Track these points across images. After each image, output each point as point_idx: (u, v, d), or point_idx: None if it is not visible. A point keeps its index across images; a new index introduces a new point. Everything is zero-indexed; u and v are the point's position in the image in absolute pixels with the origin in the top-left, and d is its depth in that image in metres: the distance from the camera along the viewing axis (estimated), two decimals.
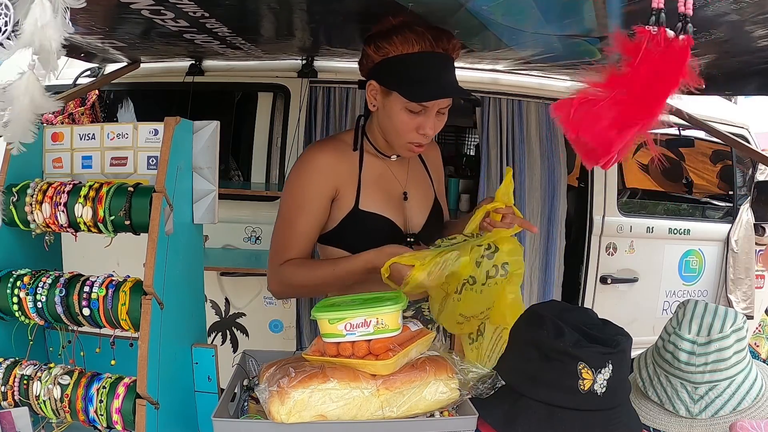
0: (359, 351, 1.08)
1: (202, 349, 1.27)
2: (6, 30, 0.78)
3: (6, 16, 0.79)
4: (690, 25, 0.92)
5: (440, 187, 1.73)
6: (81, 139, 1.30)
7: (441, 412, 1.11)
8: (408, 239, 1.56)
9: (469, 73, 2.81)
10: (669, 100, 0.95)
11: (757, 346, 1.94)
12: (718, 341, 1.19)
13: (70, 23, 0.81)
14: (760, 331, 2.04)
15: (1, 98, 0.83)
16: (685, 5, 0.92)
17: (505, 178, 1.43)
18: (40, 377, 1.17)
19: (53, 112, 2.79)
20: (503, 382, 1.16)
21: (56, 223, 1.19)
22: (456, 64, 1.49)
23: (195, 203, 1.30)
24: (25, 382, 1.17)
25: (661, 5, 0.92)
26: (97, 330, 1.21)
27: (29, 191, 1.21)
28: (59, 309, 1.17)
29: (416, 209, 1.61)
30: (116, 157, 1.28)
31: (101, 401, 1.13)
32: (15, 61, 0.83)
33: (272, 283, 1.54)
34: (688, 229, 3.35)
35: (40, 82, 0.83)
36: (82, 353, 1.25)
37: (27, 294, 1.18)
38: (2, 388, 1.18)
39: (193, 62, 2.77)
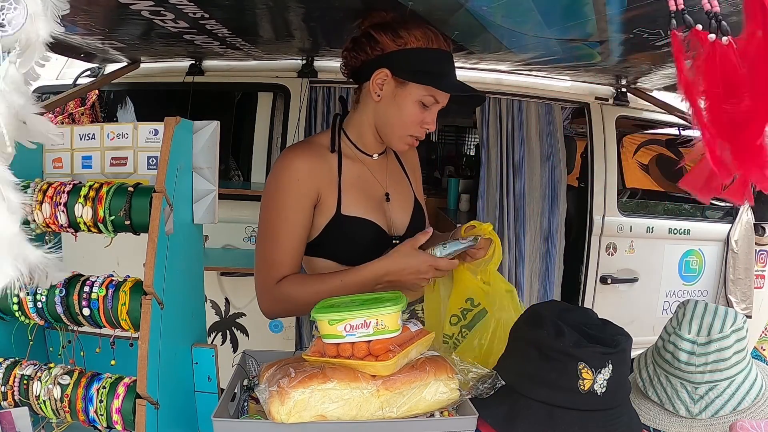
0: (359, 352, 1.07)
1: (202, 349, 1.27)
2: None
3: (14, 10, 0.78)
4: (724, 23, 0.85)
5: (418, 187, 1.70)
6: (81, 139, 1.30)
7: (441, 412, 1.11)
8: (393, 241, 1.50)
9: (469, 72, 2.81)
10: None
11: (764, 350, 1.92)
12: (718, 341, 1.19)
13: (59, 23, 0.80)
14: (766, 334, 2.02)
15: None
16: (710, 3, 0.85)
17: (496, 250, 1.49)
18: (40, 377, 1.17)
19: (53, 112, 2.79)
20: (503, 382, 1.16)
21: (56, 223, 1.19)
22: (456, 65, 1.49)
23: (195, 203, 1.30)
24: (25, 382, 1.17)
25: (681, 6, 0.85)
26: (97, 330, 1.21)
27: (29, 191, 1.20)
28: (59, 309, 1.16)
29: (398, 210, 1.57)
30: (116, 157, 1.28)
31: (101, 401, 1.13)
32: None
33: (265, 303, 1.46)
34: (688, 229, 3.35)
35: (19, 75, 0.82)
36: (82, 353, 1.25)
37: (27, 294, 1.17)
38: (2, 388, 1.18)
39: (193, 62, 2.78)
